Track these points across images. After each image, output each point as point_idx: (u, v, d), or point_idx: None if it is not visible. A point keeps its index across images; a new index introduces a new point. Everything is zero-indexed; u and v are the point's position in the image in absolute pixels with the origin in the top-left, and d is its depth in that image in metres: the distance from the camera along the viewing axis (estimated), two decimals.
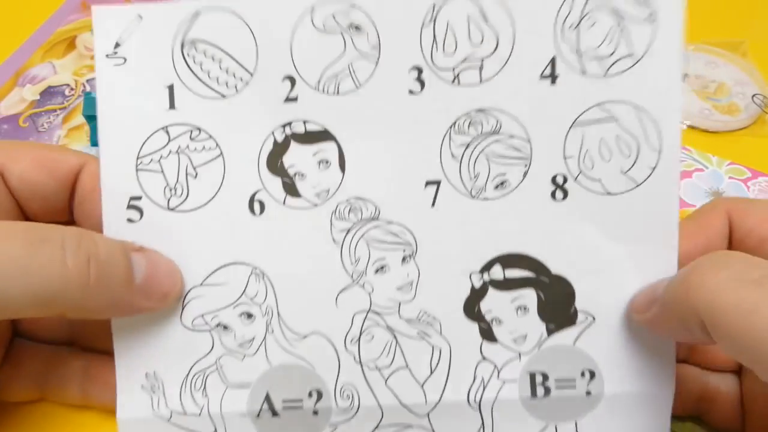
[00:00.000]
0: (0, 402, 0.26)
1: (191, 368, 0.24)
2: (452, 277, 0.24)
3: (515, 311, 0.24)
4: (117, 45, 0.23)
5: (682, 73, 0.22)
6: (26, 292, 0.19)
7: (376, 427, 0.24)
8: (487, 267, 0.24)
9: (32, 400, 0.26)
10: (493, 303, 0.24)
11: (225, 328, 0.24)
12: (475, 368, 0.24)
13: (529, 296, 0.24)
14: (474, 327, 0.24)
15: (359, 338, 0.24)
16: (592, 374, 0.23)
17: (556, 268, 0.23)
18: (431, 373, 0.24)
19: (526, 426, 0.24)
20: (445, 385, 0.24)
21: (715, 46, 0.43)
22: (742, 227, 0.22)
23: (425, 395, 0.23)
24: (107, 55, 0.23)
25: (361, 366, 0.24)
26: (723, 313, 0.18)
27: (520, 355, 0.24)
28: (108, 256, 0.21)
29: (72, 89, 0.41)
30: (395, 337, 0.24)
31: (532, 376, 0.24)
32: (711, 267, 0.19)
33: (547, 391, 0.24)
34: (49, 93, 0.40)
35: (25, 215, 0.24)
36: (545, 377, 0.24)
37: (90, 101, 0.35)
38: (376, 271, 0.24)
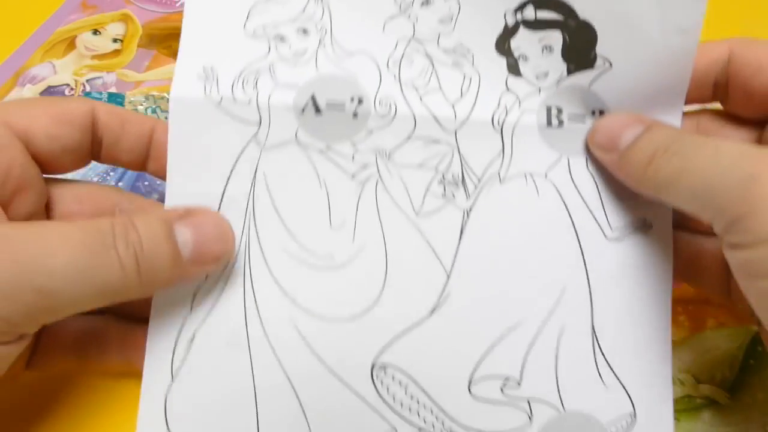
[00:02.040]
0: (40, 374, 0.26)
1: (246, 67, 0.27)
2: (489, 14, 0.27)
3: (541, 50, 0.27)
4: None
5: None
6: (89, 293, 0.21)
7: (409, 137, 0.27)
8: (521, 7, 0.26)
9: (71, 369, 0.27)
10: (522, 41, 0.27)
11: (282, 39, 0.27)
12: (500, 97, 0.27)
13: (555, 37, 0.27)
14: (503, 61, 0.27)
15: (401, 60, 0.27)
16: (602, 113, 0.27)
17: (583, 13, 0.26)
18: (461, 96, 0.27)
19: (542, 154, 0.27)
20: (473, 106, 0.27)
21: None
22: (742, 58, 0.25)
23: (455, 112, 0.27)
24: None
25: (400, 83, 0.27)
26: None
27: (540, 89, 0.27)
28: (151, 247, 0.22)
29: (72, 89, 0.40)
30: (432, 63, 0.27)
31: (549, 109, 0.27)
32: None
33: (561, 123, 0.27)
34: (49, 93, 0.40)
35: (46, 172, 0.25)
36: (560, 111, 0.27)
37: None
38: (422, 4, 0.27)
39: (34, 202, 0.24)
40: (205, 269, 0.24)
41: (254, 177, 0.26)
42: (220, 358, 0.25)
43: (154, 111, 0.38)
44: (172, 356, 0.25)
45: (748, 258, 0.20)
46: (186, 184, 0.26)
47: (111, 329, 0.27)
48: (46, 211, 0.25)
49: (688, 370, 0.26)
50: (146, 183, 0.36)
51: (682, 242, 0.26)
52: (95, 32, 0.44)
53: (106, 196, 0.27)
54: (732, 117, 0.27)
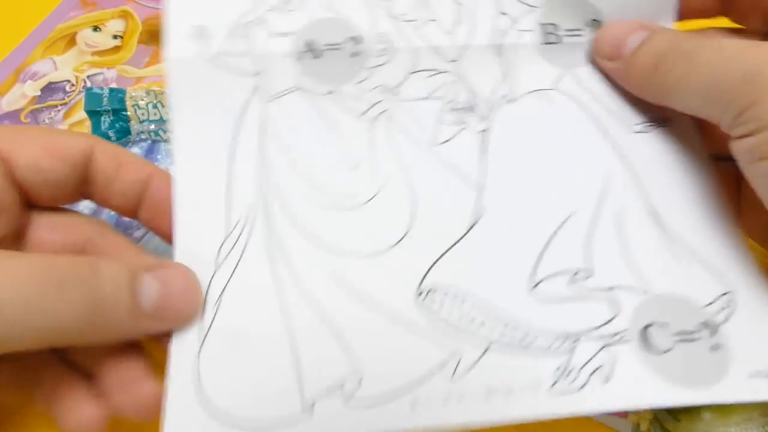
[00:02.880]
0: None
1: (237, 20, 0.26)
2: None
3: None
4: None
5: None
6: (32, 334, 0.19)
7: (411, 72, 0.26)
8: None
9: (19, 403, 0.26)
10: None
11: None
12: (495, 21, 0.26)
13: None
14: None
15: None
16: (598, 23, 0.26)
17: None
18: (456, 24, 0.26)
19: (545, 72, 0.26)
20: (469, 34, 0.26)
21: None
22: None
23: (452, 42, 0.26)
24: None
25: (394, 18, 0.26)
26: None
27: (533, 8, 0.26)
28: (109, 293, 0.20)
29: (73, 85, 0.41)
30: None
31: (544, 27, 0.26)
32: None
33: (559, 39, 0.26)
34: (50, 89, 0.41)
35: (29, 203, 0.24)
36: (556, 27, 0.26)
37: (91, 97, 0.36)
38: None
39: (4, 226, 0.23)
40: (167, 325, 0.22)
41: (262, 129, 0.26)
42: (251, 313, 0.23)
43: (155, 106, 0.37)
44: (203, 316, 0.23)
45: (756, 143, 0.21)
46: (193, 147, 0.25)
47: (48, 371, 0.24)
48: (19, 237, 0.24)
49: None
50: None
51: None
52: (95, 29, 0.44)
53: (80, 228, 0.25)
54: (736, 33, 0.27)
